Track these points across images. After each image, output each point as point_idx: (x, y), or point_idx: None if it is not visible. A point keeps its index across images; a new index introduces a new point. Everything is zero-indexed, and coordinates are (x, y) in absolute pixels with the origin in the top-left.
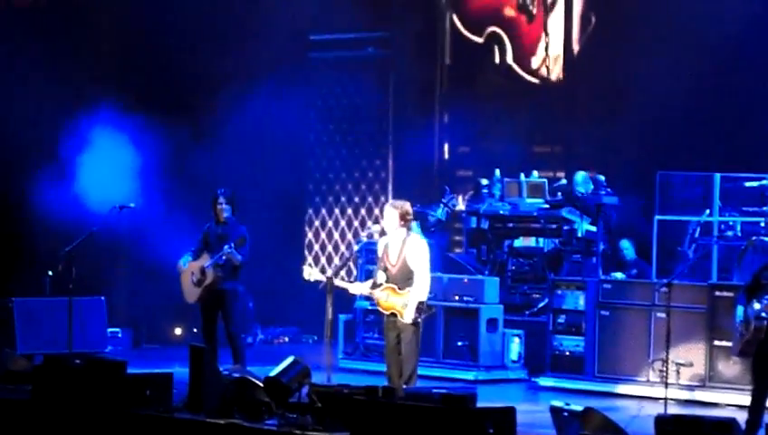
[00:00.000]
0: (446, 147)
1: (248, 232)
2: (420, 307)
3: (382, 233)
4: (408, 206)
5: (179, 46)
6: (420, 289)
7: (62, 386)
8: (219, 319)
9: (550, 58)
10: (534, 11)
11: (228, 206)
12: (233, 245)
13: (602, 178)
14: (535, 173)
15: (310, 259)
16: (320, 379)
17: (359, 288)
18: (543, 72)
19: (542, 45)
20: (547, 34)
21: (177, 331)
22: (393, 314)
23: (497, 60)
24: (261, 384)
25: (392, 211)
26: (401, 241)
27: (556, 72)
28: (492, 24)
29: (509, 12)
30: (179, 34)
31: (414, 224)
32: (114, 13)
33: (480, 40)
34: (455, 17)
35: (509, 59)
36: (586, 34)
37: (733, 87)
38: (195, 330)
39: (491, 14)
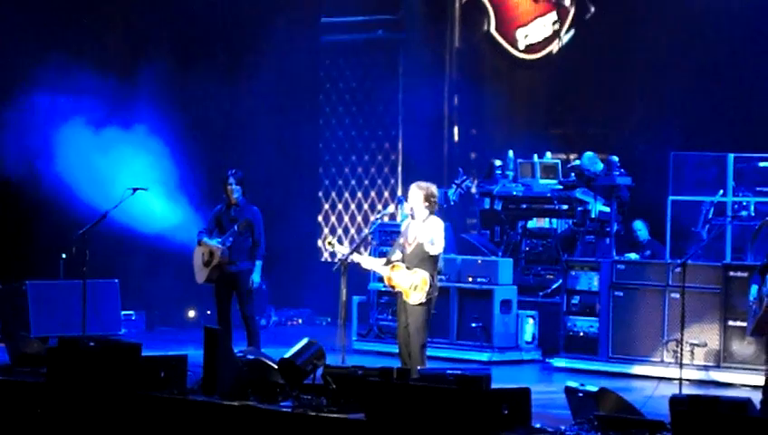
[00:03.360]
0: (455, 129)
1: (260, 212)
2: (427, 289)
3: (392, 217)
4: (433, 187)
5: (192, 31)
6: (434, 248)
7: (76, 369)
8: (233, 301)
9: (561, 33)
10: None
11: (239, 187)
12: (237, 227)
13: (616, 159)
14: (549, 154)
15: (324, 236)
16: (334, 360)
17: (372, 263)
18: (531, 46)
19: (544, 20)
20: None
21: (191, 313)
22: (401, 293)
23: (485, 27)
24: (275, 366)
25: (418, 192)
26: (421, 222)
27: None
28: None
29: None
30: (193, 19)
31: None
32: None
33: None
34: None
35: (492, 28)
36: (592, 14)
37: (746, 67)
38: (208, 312)
39: None
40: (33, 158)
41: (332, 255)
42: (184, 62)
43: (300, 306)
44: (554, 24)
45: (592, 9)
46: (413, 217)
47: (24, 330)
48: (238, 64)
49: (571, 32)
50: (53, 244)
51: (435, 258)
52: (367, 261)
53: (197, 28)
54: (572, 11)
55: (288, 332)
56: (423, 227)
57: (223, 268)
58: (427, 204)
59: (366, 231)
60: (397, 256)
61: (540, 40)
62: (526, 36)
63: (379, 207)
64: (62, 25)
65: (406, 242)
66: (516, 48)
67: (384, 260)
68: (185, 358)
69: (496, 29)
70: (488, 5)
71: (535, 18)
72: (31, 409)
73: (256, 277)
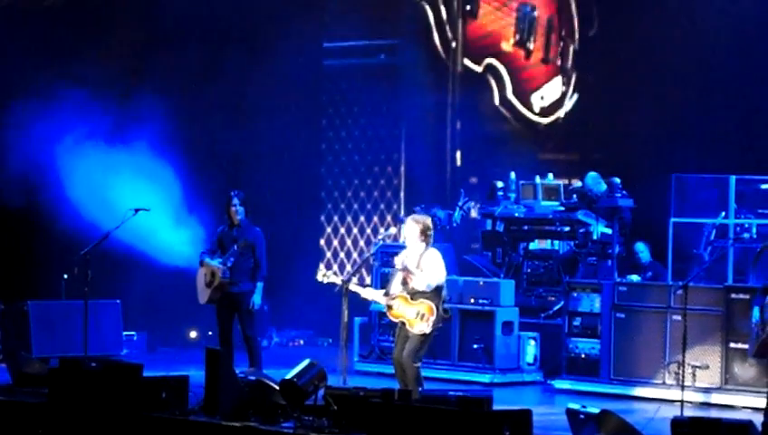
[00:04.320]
0: (458, 154)
1: (262, 233)
2: (433, 319)
3: (394, 238)
4: (428, 221)
5: (194, 54)
6: (422, 280)
7: (77, 389)
8: (235, 322)
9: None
10: (532, 46)
11: (242, 208)
12: (237, 248)
13: (618, 180)
14: (551, 176)
15: (324, 263)
16: (335, 381)
17: (372, 294)
18: (545, 108)
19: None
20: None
21: (193, 334)
22: (404, 323)
23: (497, 95)
24: (277, 387)
25: (413, 225)
26: (419, 254)
27: (563, 109)
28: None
29: (506, 46)
30: (196, 42)
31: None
32: (135, 11)
33: (479, 69)
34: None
35: (508, 93)
36: (591, 34)
37: (748, 89)
38: (210, 333)
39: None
40: (34, 178)
41: (332, 282)
42: (186, 85)
43: (301, 327)
44: (563, 85)
45: (595, 26)
46: (396, 239)
47: (26, 350)
48: (241, 89)
49: (575, 96)
50: (55, 264)
51: (439, 288)
52: (366, 292)
53: (200, 51)
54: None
55: (289, 353)
56: (423, 261)
57: (224, 289)
58: (422, 237)
59: (368, 253)
60: (396, 287)
61: (554, 101)
62: (542, 98)
63: (382, 230)
64: (64, 42)
65: (408, 275)
66: (532, 111)
67: (383, 292)
68: (186, 379)
69: (514, 94)
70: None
71: (548, 81)
72: (32, 429)
73: (257, 299)
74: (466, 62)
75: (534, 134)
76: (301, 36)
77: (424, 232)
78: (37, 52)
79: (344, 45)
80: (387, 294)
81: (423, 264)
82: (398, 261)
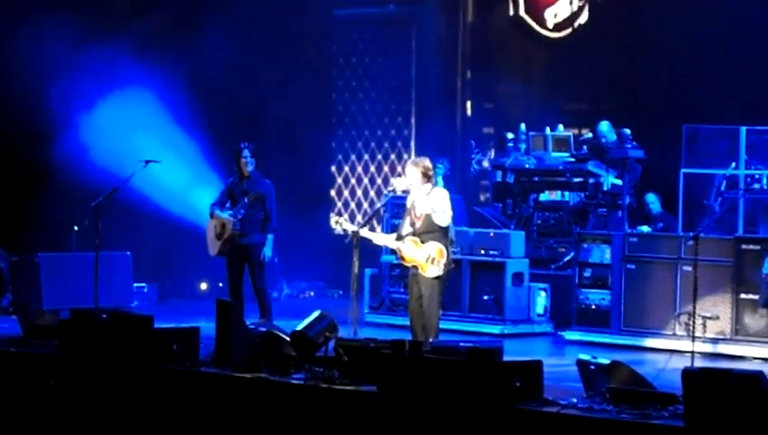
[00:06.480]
0: (468, 104)
1: (273, 185)
2: (444, 261)
3: (406, 190)
4: (427, 161)
5: (204, 4)
6: (441, 219)
7: (88, 341)
8: (245, 274)
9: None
10: None
11: (252, 159)
12: (247, 200)
13: (628, 131)
14: (561, 127)
15: (337, 211)
16: (346, 333)
17: (383, 239)
18: (558, 24)
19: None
20: None
21: (203, 285)
22: (416, 268)
23: (511, 12)
24: (287, 339)
25: (413, 169)
26: (425, 195)
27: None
28: None
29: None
30: None
31: (439, 178)
32: None
33: None
34: None
35: (521, 11)
36: None
37: (759, 40)
38: (220, 285)
39: None
40: (47, 130)
41: (345, 230)
42: (196, 35)
43: (312, 279)
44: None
45: None
46: (407, 192)
47: (36, 302)
48: (251, 39)
49: (587, 11)
50: (66, 216)
51: (445, 229)
52: (378, 237)
53: (206, 4)
54: None
55: (300, 304)
56: (428, 199)
57: (235, 241)
58: (425, 178)
59: (378, 204)
60: (407, 230)
61: (567, 17)
62: (555, 15)
63: (392, 180)
64: None
65: (414, 216)
66: (545, 28)
67: (395, 235)
68: (197, 330)
69: (526, 12)
70: None
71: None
72: (43, 380)
73: (268, 251)
74: None
75: (547, 84)
76: None
77: (425, 173)
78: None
79: None
80: (398, 238)
81: (433, 203)
82: (409, 201)
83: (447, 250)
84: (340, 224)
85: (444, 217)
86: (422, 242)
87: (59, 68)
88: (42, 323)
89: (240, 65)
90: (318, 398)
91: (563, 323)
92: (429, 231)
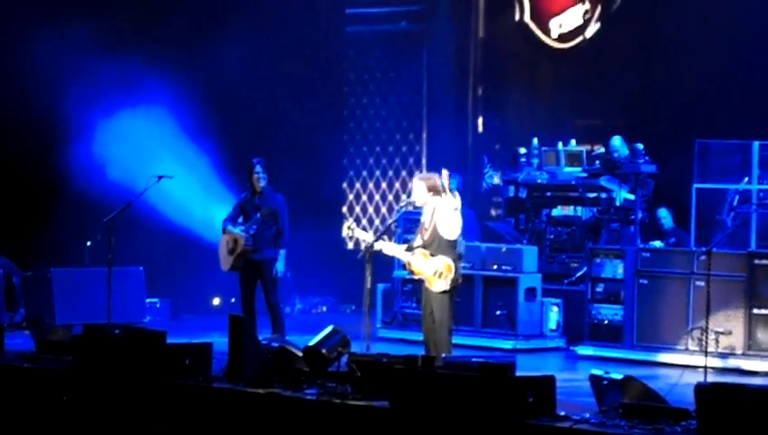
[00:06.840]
0: (480, 120)
1: (285, 200)
2: (451, 276)
3: (418, 206)
4: (434, 178)
5: (214, 20)
6: (447, 232)
7: (101, 356)
8: (258, 289)
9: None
10: None
11: (265, 175)
12: (260, 216)
13: (641, 146)
14: (573, 142)
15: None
16: (359, 348)
17: (394, 250)
18: (563, 35)
19: (576, 9)
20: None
21: (216, 301)
22: (423, 281)
23: (517, 17)
24: (300, 354)
25: (419, 184)
26: (433, 209)
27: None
28: None
29: None
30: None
31: (456, 192)
32: None
33: None
34: None
35: (526, 17)
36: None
37: None
38: (233, 300)
39: None
40: (58, 145)
41: (357, 243)
42: (209, 51)
43: (324, 294)
44: (585, 14)
45: (618, 1)
46: (416, 207)
47: (49, 317)
48: (264, 56)
49: (597, 25)
50: (79, 231)
51: (453, 243)
52: (389, 247)
53: (220, 19)
54: (600, 5)
55: (312, 319)
56: (435, 213)
57: (247, 256)
58: (431, 193)
59: (390, 220)
60: (418, 242)
61: (572, 29)
62: (560, 25)
63: (404, 197)
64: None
65: (423, 229)
66: (549, 37)
67: (405, 247)
68: (210, 346)
69: (531, 18)
70: None
71: (569, 7)
72: (56, 396)
73: (280, 266)
74: None
75: (559, 99)
76: (324, 2)
77: (431, 188)
78: (64, 11)
79: (366, 12)
80: (409, 250)
81: (438, 216)
82: (423, 217)
83: (456, 265)
84: (351, 230)
85: (449, 230)
86: (431, 255)
87: (71, 82)
88: (54, 338)
89: (253, 81)
90: (331, 413)
91: (576, 338)
92: (437, 245)
